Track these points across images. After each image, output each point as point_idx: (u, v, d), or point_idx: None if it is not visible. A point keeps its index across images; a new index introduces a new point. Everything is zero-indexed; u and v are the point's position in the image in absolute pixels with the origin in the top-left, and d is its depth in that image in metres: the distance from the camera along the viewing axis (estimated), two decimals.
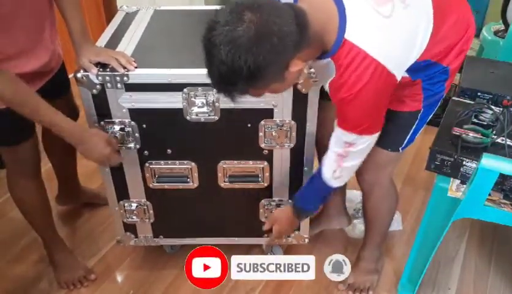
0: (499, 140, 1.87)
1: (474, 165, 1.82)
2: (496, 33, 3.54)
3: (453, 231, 2.56)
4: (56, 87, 2.04)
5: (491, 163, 1.60)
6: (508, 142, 1.86)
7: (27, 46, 1.78)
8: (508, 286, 2.31)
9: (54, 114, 1.70)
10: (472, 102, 2.12)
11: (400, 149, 1.89)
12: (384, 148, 1.87)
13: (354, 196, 2.65)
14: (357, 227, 2.51)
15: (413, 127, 1.83)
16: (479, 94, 2.16)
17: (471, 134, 1.90)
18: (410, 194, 2.83)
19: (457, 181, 1.93)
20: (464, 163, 1.85)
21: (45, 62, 1.89)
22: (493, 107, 2.03)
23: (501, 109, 2.04)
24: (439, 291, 2.29)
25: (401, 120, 1.80)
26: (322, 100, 1.86)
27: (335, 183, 1.76)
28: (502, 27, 3.50)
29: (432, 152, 1.90)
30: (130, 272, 2.39)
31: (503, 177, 1.75)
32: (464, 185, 1.89)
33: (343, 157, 1.66)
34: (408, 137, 1.86)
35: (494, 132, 1.90)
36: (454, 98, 2.20)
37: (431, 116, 1.85)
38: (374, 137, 1.63)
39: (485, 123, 1.98)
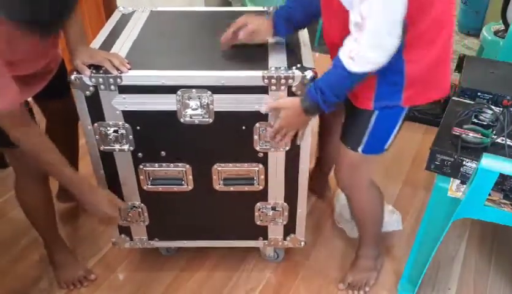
0: (499, 140, 1.85)
1: (474, 165, 1.80)
2: (496, 33, 3.55)
3: (453, 231, 2.54)
4: (56, 89, 2.03)
5: (491, 163, 1.59)
6: (508, 142, 1.84)
7: (30, 53, 1.78)
8: (508, 286, 2.28)
9: (69, 171, 1.82)
10: (472, 102, 2.11)
11: (358, 149, 1.85)
12: (346, 144, 1.86)
13: None
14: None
15: (368, 130, 1.79)
16: (479, 94, 2.16)
17: (471, 134, 1.88)
18: (410, 194, 2.81)
19: (457, 181, 1.91)
20: (464, 163, 1.82)
21: (45, 64, 1.89)
22: (493, 107, 2.01)
23: (501, 109, 2.03)
24: (439, 291, 2.26)
25: (355, 115, 1.78)
26: None
27: (351, 65, 1.51)
28: (502, 27, 3.51)
29: (432, 152, 1.88)
30: (129, 272, 2.36)
31: (503, 177, 1.73)
32: (464, 185, 1.87)
33: (359, 26, 1.46)
34: (365, 139, 1.82)
35: (494, 132, 1.88)
36: (454, 98, 2.19)
37: (393, 134, 1.82)
38: None
39: (485, 123, 1.96)
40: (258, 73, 1.69)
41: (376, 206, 2.11)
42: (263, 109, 1.75)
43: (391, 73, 1.61)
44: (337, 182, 2.04)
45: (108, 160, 1.91)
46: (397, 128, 1.81)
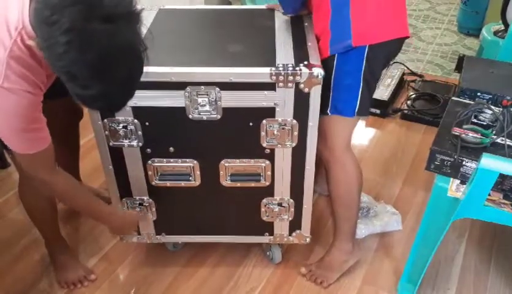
0: (499, 140, 1.88)
1: (474, 165, 1.82)
2: (496, 33, 3.58)
3: (453, 231, 2.57)
4: (59, 87, 2.06)
5: (491, 163, 1.59)
6: (508, 142, 1.86)
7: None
8: (508, 287, 2.31)
9: (102, 206, 1.96)
10: (472, 102, 2.12)
11: (328, 111, 1.95)
12: (320, 112, 1.89)
13: None
14: (358, 227, 2.47)
15: (332, 83, 1.89)
16: (478, 94, 2.17)
17: (471, 134, 1.89)
18: (409, 194, 2.84)
19: (457, 181, 1.90)
20: (464, 163, 1.84)
21: None
22: (493, 107, 2.03)
23: (500, 109, 2.04)
24: (439, 291, 2.29)
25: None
26: None
27: None
28: (502, 27, 3.54)
29: (431, 152, 1.89)
30: (131, 271, 2.40)
31: (502, 177, 1.75)
32: (464, 185, 1.87)
33: None
34: (331, 96, 1.92)
35: (494, 132, 1.90)
36: (453, 98, 2.20)
37: (359, 92, 1.90)
38: None
39: (485, 123, 1.98)
40: (266, 70, 1.74)
41: (352, 182, 2.13)
42: None
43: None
44: (318, 155, 2.08)
45: (116, 155, 1.95)
46: (361, 83, 1.88)
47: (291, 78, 1.75)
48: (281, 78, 1.75)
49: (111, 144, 1.93)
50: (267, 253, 2.42)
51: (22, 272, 2.41)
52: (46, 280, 2.37)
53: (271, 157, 1.97)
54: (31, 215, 2.22)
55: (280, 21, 2.14)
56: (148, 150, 1.95)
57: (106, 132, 1.90)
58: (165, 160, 1.98)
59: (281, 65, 1.76)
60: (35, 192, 2.09)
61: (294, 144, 1.93)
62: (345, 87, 1.91)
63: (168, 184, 2.05)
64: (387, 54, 1.97)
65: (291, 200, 2.11)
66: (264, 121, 1.87)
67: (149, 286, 2.32)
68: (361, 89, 1.90)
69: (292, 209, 2.14)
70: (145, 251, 2.48)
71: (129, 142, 1.92)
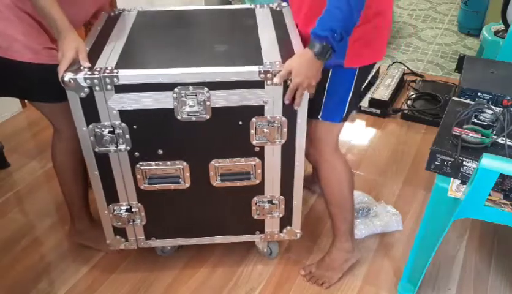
0: (499, 140, 1.84)
1: (474, 165, 1.78)
2: (496, 33, 3.55)
3: (453, 231, 2.50)
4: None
5: (491, 163, 1.55)
6: (508, 142, 1.82)
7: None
8: (508, 287, 2.24)
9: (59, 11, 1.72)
10: (472, 102, 2.08)
11: (318, 116, 1.92)
12: (309, 117, 1.86)
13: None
14: (358, 227, 2.45)
15: (325, 92, 1.86)
16: (479, 94, 2.13)
17: (471, 134, 1.85)
18: (410, 194, 2.77)
19: (457, 181, 1.87)
20: (464, 163, 1.80)
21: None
22: (493, 107, 1.99)
23: (501, 109, 2.00)
24: (439, 291, 2.22)
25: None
26: None
27: None
28: (502, 27, 3.51)
29: (432, 152, 1.85)
30: (130, 272, 2.32)
31: (503, 178, 1.71)
32: (464, 186, 1.84)
33: None
34: (323, 104, 1.89)
35: (494, 132, 1.86)
36: (454, 98, 2.17)
37: (347, 101, 1.89)
38: None
39: (485, 123, 1.94)
40: (254, 69, 1.69)
41: (341, 176, 2.07)
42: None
43: None
44: (308, 159, 2.06)
45: (103, 161, 1.87)
46: (350, 95, 1.87)
47: None
48: (269, 75, 1.70)
49: (96, 150, 1.84)
50: (265, 249, 2.34)
51: (23, 272, 2.33)
52: (46, 280, 2.29)
53: (260, 154, 1.92)
54: (62, 176, 2.18)
55: (262, 19, 2.11)
56: (136, 153, 1.86)
57: (92, 138, 1.81)
58: (153, 163, 1.90)
59: (268, 63, 1.72)
60: (67, 151, 2.08)
61: (283, 141, 1.89)
62: (337, 98, 1.90)
63: (158, 187, 1.96)
64: (371, 69, 2.00)
65: (282, 197, 2.06)
66: (253, 119, 1.81)
67: (149, 287, 2.24)
68: (349, 100, 1.90)
69: (282, 206, 2.09)
70: (144, 252, 2.39)
71: (116, 146, 1.83)
